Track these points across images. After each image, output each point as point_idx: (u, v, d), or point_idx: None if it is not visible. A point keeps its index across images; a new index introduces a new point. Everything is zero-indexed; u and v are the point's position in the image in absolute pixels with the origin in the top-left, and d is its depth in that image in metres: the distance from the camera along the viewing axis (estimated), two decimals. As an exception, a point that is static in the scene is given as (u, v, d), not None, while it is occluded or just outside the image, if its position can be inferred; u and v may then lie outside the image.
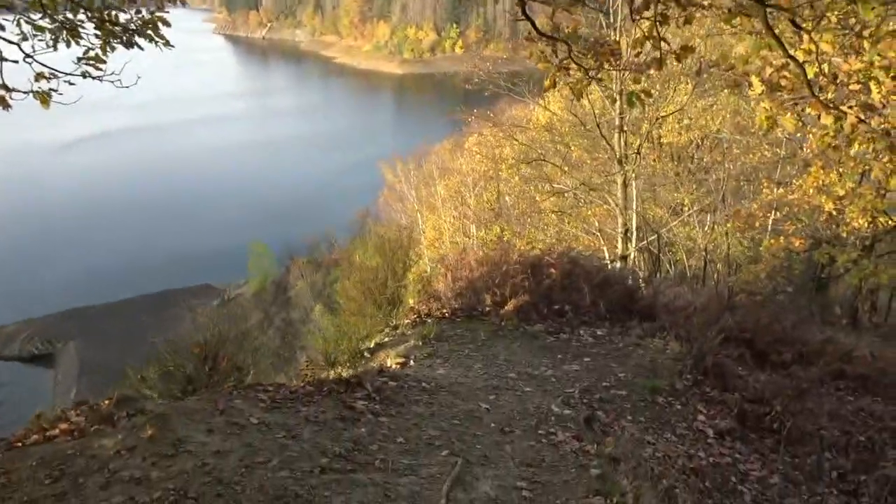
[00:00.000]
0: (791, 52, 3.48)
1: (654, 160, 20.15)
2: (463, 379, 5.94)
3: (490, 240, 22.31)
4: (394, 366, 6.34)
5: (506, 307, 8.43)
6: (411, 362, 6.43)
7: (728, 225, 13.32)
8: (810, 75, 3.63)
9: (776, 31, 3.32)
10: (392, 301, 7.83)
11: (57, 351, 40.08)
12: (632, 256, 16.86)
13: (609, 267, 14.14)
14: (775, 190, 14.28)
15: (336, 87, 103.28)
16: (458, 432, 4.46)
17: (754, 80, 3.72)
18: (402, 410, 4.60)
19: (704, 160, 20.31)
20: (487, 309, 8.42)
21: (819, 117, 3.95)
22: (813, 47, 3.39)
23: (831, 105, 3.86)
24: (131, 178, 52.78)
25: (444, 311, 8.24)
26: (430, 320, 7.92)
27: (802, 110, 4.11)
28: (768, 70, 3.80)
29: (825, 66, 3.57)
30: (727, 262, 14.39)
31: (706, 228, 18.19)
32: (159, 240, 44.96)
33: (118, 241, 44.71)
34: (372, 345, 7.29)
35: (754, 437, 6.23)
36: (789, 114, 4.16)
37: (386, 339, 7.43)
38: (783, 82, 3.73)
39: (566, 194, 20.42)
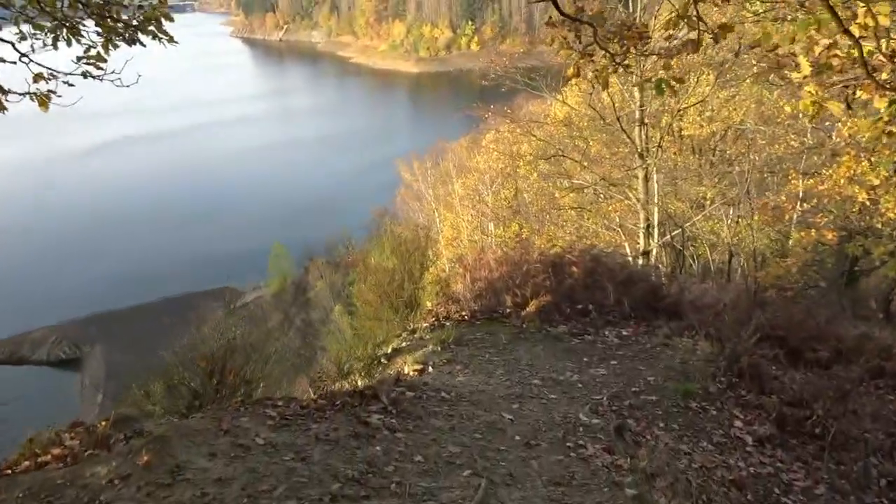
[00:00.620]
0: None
1: (676, 153, 19.63)
2: (484, 387, 5.62)
3: (508, 238, 21.95)
4: (411, 373, 6.04)
5: (527, 308, 8.09)
6: (430, 369, 6.13)
7: (754, 218, 12.80)
8: (864, 53, 3.26)
9: (830, 3, 2.95)
10: (409, 304, 7.51)
11: (84, 355, 40.52)
12: (654, 252, 16.43)
13: (631, 264, 13.73)
14: (802, 181, 13.72)
15: (353, 86, 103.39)
16: (480, 448, 4.14)
17: (801, 60, 3.34)
18: (420, 424, 4.30)
19: (727, 152, 19.75)
20: (508, 310, 8.08)
21: (872, 100, 3.58)
22: (871, 21, 3.01)
23: (887, 86, 3.48)
24: (151, 182, 53.16)
25: (464, 313, 7.92)
26: (448, 323, 7.61)
27: (853, 92, 3.73)
28: (816, 49, 3.42)
29: (883, 43, 3.18)
30: (753, 256, 13.88)
31: (730, 222, 17.64)
32: (180, 243, 45.23)
33: (140, 246, 45.06)
34: (389, 350, 7.00)
35: (795, 444, 5.83)
36: (837, 99, 3.79)
37: (403, 344, 7.13)
38: (834, 61, 3.35)
39: (585, 190, 20.01)
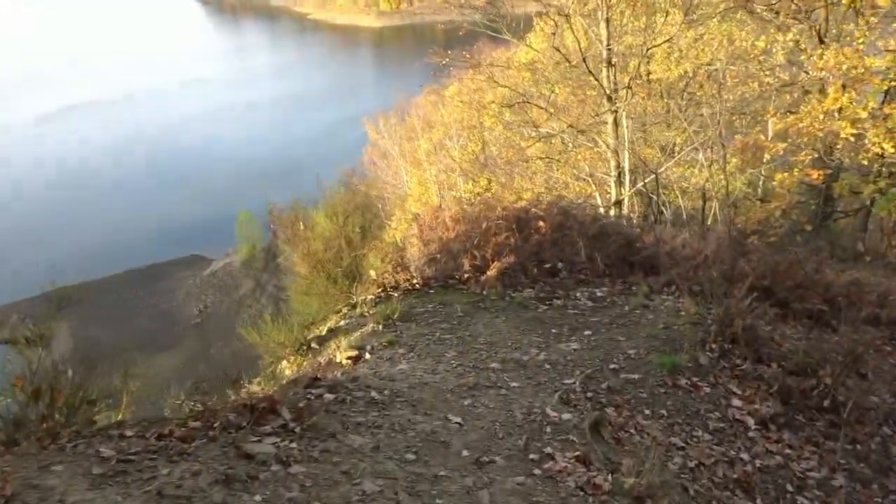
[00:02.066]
0: None
1: (644, 98, 18.43)
2: (430, 377, 4.45)
3: (477, 192, 20.71)
4: (344, 362, 4.85)
5: (488, 272, 6.91)
6: (367, 355, 4.94)
7: (732, 160, 11.69)
8: None
9: None
10: (351, 274, 6.27)
11: (49, 332, 38.61)
12: (626, 201, 15.38)
13: (603, 215, 12.63)
14: (779, 119, 12.61)
15: (312, 44, 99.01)
16: (411, 478, 2.97)
17: None
18: (332, 447, 3.11)
19: (697, 94, 18.59)
20: (466, 276, 6.90)
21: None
22: None
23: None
24: (107, 150, 50.34)
25: (415, 281, 6.71)
26: (396, 294, 6.39)
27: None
28: None
29: None
30: (729, 201, 12.86)
31: (702, 166, 16.62)
32: (144, 212, 43.11)
33: (101, 217, 42.87)
34: (324, 331, 5.79)
35: (803, 421, 4.81)
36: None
37: (342, 323, 5.92)
38: None
39: (553, 140, 18.81)
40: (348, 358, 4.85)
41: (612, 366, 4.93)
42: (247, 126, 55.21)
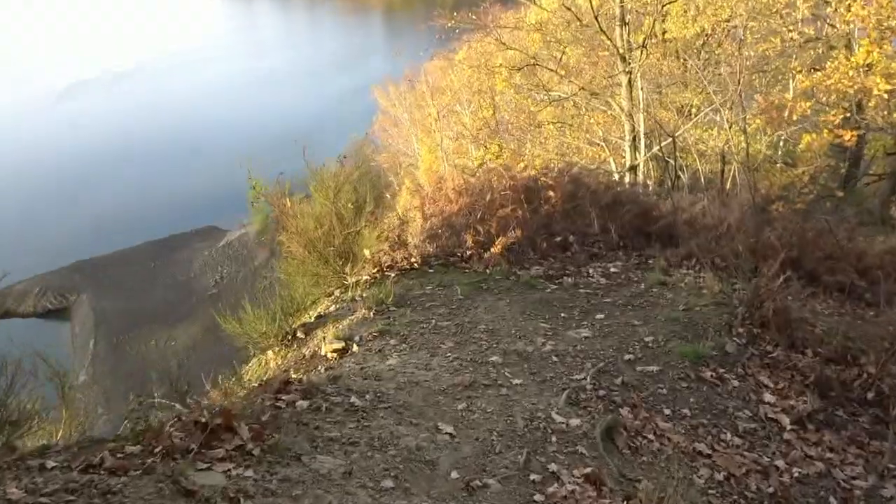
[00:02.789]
0: None
1: (659, 59, 17.45)
2: (422, 374, 3.90)
3: (489, 159, 19.99)
4: (330, 355, 4.32)
5: (492, 249, 6.32)
6: (354, 347, 4.40)
7: (756, 121, 10.84)
8: None
9: None
10: (345, 254, 5.71)
11: (71, 304, 39.16)
12: (641, 167, 14.62)
13: (617, 182, 11.93)
14: (804, 76, 11.68)
15: (323, 12, 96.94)
16: (386, 515, 2.45)
17: None
18: (294, 475, 2.59)
19: (716, 52, 17.54)
20: (469, 253, 6.31)
21: None
22: None
23: None
24: (119, 124, 49.83)
25: (413, 260, 6.14)
26: (393, 275, 5.83)
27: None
28: None
29: None
30: (752, 166, 12.02)
31: (720, 128, 15.73)
32: (158, 186, 42.79)
33: (117, 190, 42.65)
34: (313, 317, 5.26)
35: (845, 418, 4.22)
36: None
37: (332, 308, 5.37)
38: None
39: (565, 104, 17.98)
40: (334, 351, 4.32)
41: (627, 356, 4.36)
42: (258, 98, 54.29)
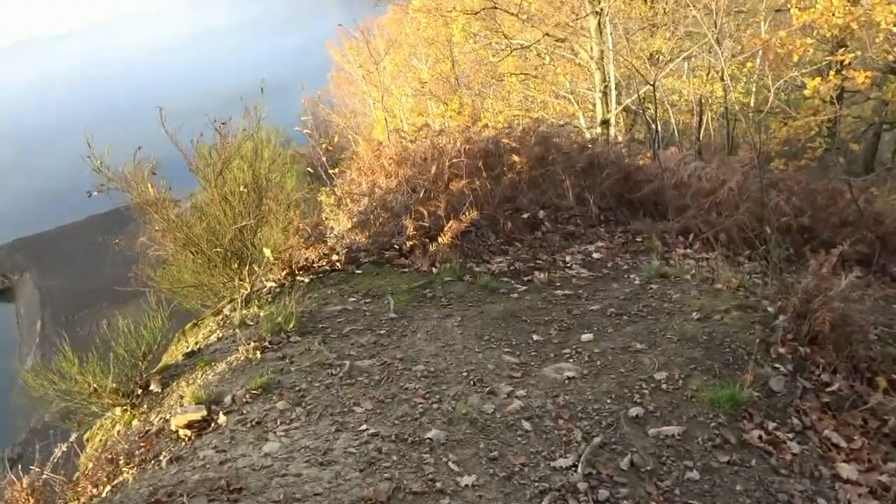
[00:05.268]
0: None
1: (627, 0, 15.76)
2: (314, 475, 2.37)
3: (450, 116, 18.31)
4: (181, 433, 2.75)
5: (440, 238, 4.75)
6: (221, 416, 2.84)
7: (748, 65, 9.34)
8: None
9: None
10: (240, 254, 4.08)
11: (14, 284, 36.77)
12: (613, 120, 13.11)
13: (591, 140, 10.38)
14: (796, 11, 10.15)
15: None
16: None
17: None
18: None
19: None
20: (410, 245, 4.73)
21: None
22: None
23: None
24: (57, 90, 46.09)
25: (336, 258, 4.54)
26: (307, 280, 4.23)
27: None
28: None
29: None
30: (753, 114, 10.53)
31: (695, 76, 14.29)
32: (99, 153, 39.85)
33: (56, 161, 39.60)
34: (180, 356, 3.64)
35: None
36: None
37: (215, 337, 3.76)
38: None
39: (528, 53, 16.22)
40: (187, 425, 2.77)
41: (633, 410, 2.90)
42: (202, 56, 50.70)
